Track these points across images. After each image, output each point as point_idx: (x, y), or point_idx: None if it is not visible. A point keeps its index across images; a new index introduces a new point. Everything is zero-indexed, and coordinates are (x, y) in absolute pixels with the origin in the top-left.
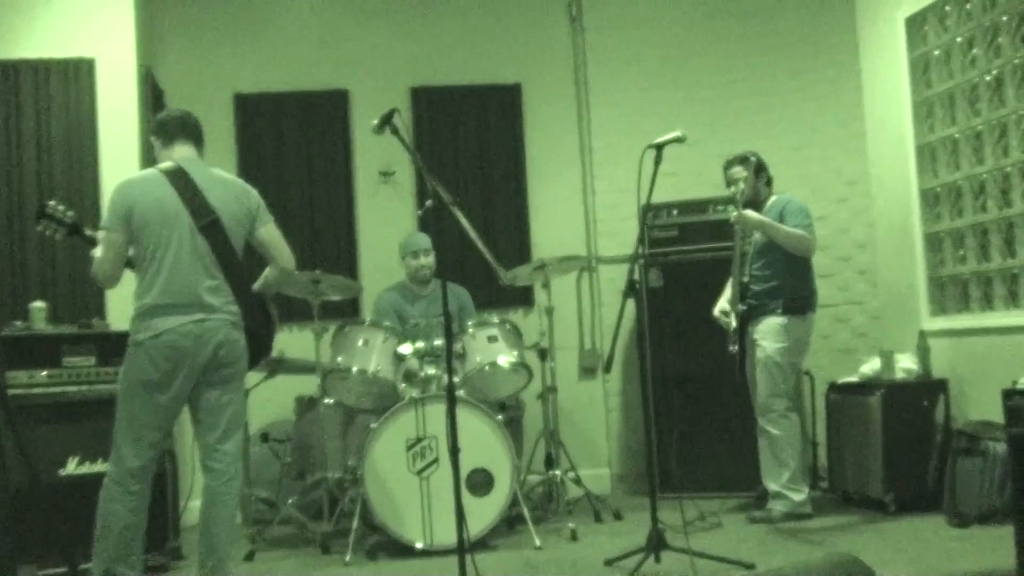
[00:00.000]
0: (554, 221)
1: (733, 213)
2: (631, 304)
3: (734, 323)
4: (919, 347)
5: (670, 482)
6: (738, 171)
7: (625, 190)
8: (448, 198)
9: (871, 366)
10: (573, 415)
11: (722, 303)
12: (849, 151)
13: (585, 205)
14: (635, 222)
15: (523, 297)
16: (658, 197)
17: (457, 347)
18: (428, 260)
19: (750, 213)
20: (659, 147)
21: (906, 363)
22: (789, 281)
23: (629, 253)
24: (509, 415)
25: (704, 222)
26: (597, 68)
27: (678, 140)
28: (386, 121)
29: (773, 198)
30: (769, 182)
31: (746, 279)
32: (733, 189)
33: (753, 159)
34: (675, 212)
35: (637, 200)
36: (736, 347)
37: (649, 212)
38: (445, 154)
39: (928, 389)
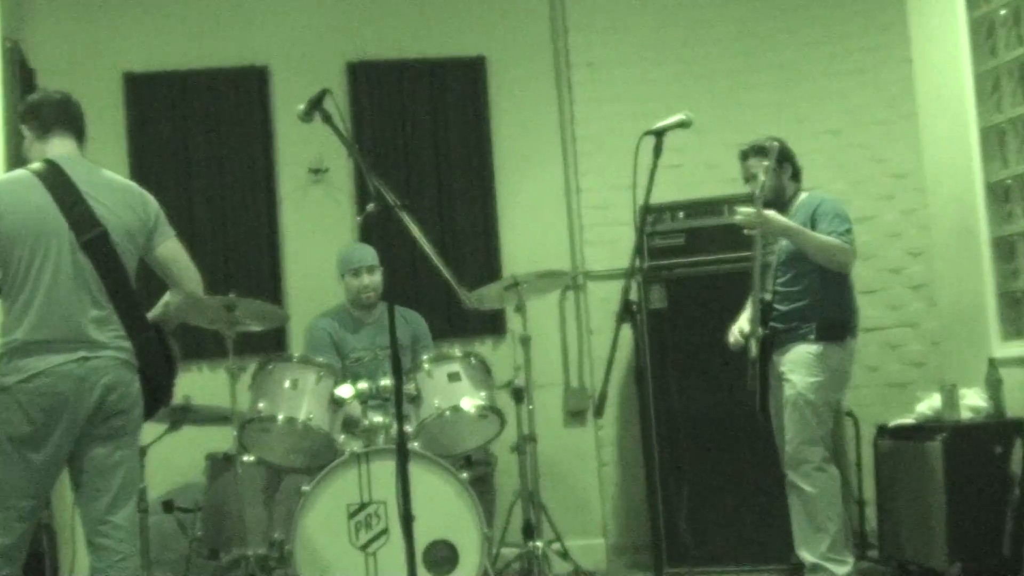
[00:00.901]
0: (530, 228)
1: (749, 213)
2: (627, 331)
3: (754, 351)
4: (989, 380)
5: (680, 553)
6: (756, 163)
7: (618, 188)
8: (395, 200)
9: (930, 404)
10: (558, 471)
11: (740, 325)
12: (897, 137)
13: (568, 207)
14: (631, 228)
15: (492, 324)
16: (659, 196)
17: (409, 388)
18: (373, 279)
19: (771, 215)
20: (659, 134)
21: (973, 400)
22: (824, 299)
23: (624, 267)
24: (477, 472)
25: (717, 227)
26: (580, 37)
27: (682, 125)
28: (316, 105)
29: (802, 196)
30: (796, 175)
31: (769, 297)
32: (751, 185)
33: (775, 147)
34: (681, 215)
35: (633, 200)
36: (756, 382)
37: (648, 215)
38: (391, 145)
39: (1001, 432)
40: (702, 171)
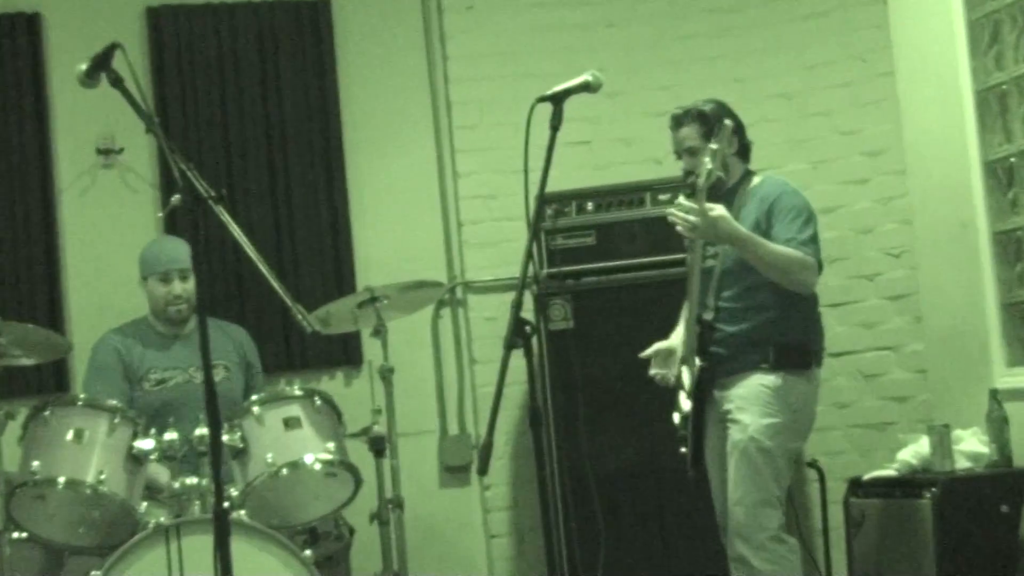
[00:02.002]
0: (391, 224)
1: (689, 210)
2: (520, 359)
3: (687, 384)
4: (991, 418)
5: None
6: (692, 134)
7: (506, 171)
8: (209, 190)
9: (916, 450)
10: (433, 545)
11: (666, 349)
12: (869, 102)
13: (442, 197)
14: (523, 224)
15: (342, 352)
16: (561, 182)
17: (233, 438)
18: (186, 286)
19: (719, 215)
20: (559, 100)
21: (971, 444)
22: (782, 316)
23: (515, 275)
24: (326, 549)
25: (638, 221)
26: None
27: (588, 87)
28: (102, 64)
29: (755, 180)
30: (744, 153)
31: (709, 315)
32: (687, 166)
33: (719, 112)
34: (590, 206)
35: (524, 187)
36: (688, 426)
37: (547, 207)
38: (206, 117)
39: (1007, 485)
40: (617, 148)
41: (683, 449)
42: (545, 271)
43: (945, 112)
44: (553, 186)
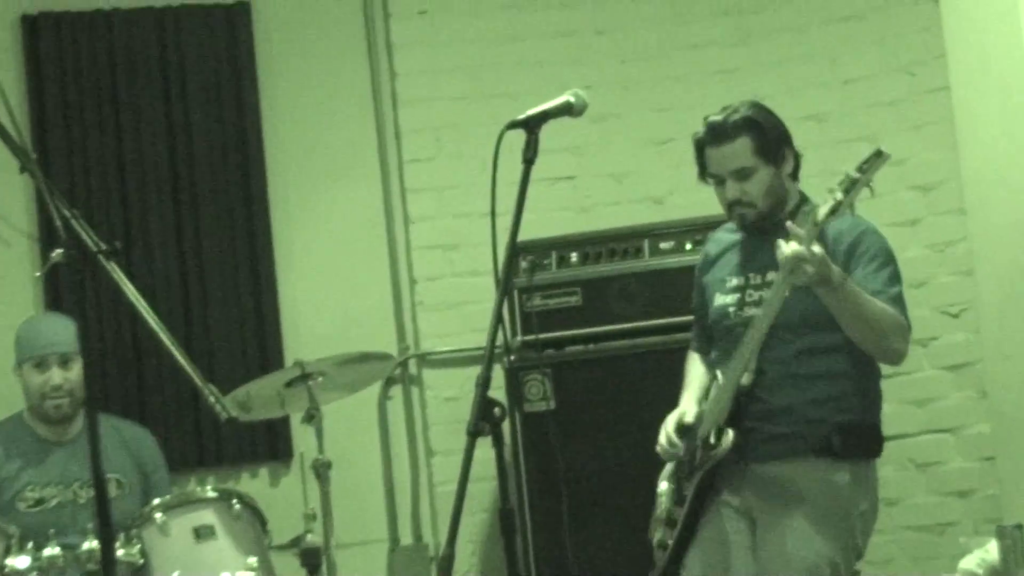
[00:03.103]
0: (327, 282)
1: (802, 237)
2: (487, 449)
3: (709, 460)
4: None
5: None
6: (741, 150)
7: (468, 215)
8: (99, 243)
9: (983, 557)
10: None
11: (680, 415)
12: (920, 125)
13: (390, 247)
14: (491, 280)
15: (267, 443)
16: (538, 228)
17: (130, 551)
18: (69, 375)
19: (817, 254)
20: (533, 125)
21: None
22: (856, 391)
23: (480, 344)
24: None
25: (634, 275)
26: None
27: (570, 110)
28: None
29: (823, 211)
30: (796, 172)
31: (747, 379)
32: (730, 195)
33: (773, 122)
34: (574, 257)
35: (492, 234)
36: (679, 513)
37: (521, 258)
38: (95, 151)
39: None
40: (608, 185)
41: (657, 535)
42: (519, 339)
43: (1013, 138)
44: (528, 233)
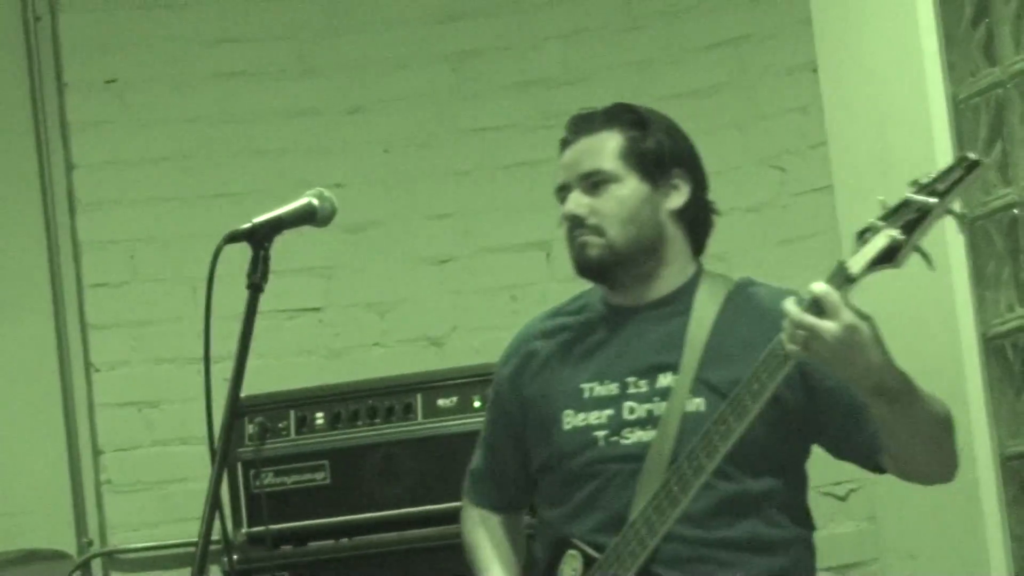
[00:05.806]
0: None
1: (834, 300)
2: None
3: None
4: None
5: None
6: (600, 146)
7: (175, 359)
8: None
9: None
10: None
11: None
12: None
13: (65, 405)
14: (204, 450)
15: None
16: (272, 379)
17: None
18: None
19: (868, 330)
20: (261, 237)
21: None
22: (800, 559)
23: (191, 538)
24: None
25: (401, 443)
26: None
27: (312, 217)
28: None
29: (865, 256)
30: (698, 231)
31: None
32: (573, 209)
33: (666, 127)
34: (320, 418)
35: (206, 386)
36: None
37: (246, 420)
38: None
39: None
40: (366, 319)
41: None
42: (244, 531)
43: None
44: (257, 385)
